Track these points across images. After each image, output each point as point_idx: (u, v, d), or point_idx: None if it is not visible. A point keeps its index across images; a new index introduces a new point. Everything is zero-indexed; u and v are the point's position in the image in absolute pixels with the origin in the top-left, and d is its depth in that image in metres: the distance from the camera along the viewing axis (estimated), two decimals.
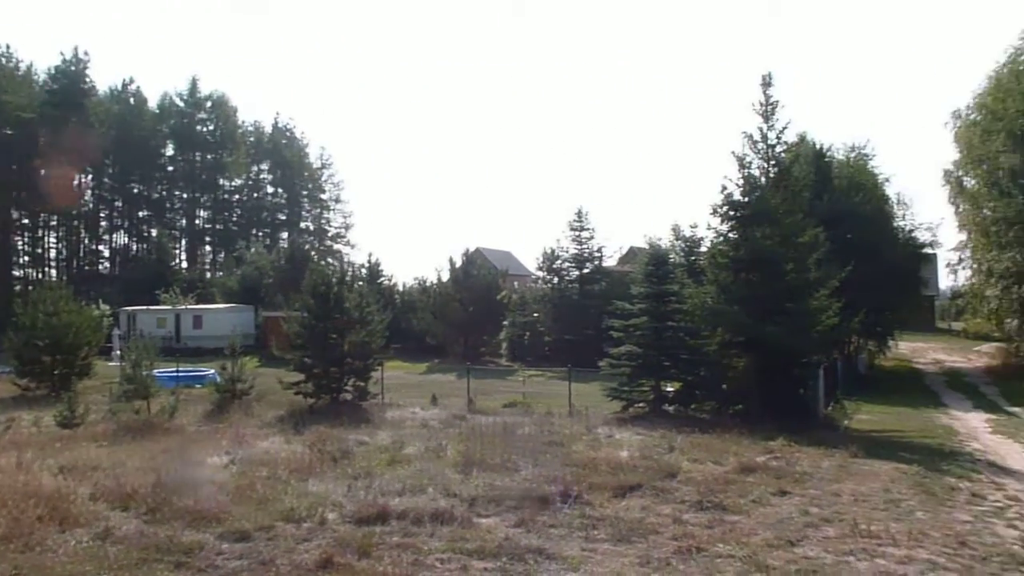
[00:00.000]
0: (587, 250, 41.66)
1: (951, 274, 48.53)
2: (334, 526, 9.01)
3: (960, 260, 44.29)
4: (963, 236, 43.37)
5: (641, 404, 19.92)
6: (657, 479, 11.37)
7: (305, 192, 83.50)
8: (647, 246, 38.99)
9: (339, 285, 22.18)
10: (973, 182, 41.48)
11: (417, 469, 12.01)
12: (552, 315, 40.49)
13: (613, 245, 66.33)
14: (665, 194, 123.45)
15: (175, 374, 26.00)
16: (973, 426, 21.07)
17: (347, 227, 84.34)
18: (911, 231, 41.62)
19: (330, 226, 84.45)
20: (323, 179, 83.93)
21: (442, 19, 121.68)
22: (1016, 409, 25.91)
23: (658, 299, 20.11)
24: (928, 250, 44.03)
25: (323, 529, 8.87)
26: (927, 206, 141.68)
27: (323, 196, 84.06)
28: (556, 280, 42.55)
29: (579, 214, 41.68)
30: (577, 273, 42.02)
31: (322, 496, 10.21)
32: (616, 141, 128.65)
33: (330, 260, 57.64)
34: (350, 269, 42.11)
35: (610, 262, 44.16)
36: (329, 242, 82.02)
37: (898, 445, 16.54)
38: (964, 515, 9.69)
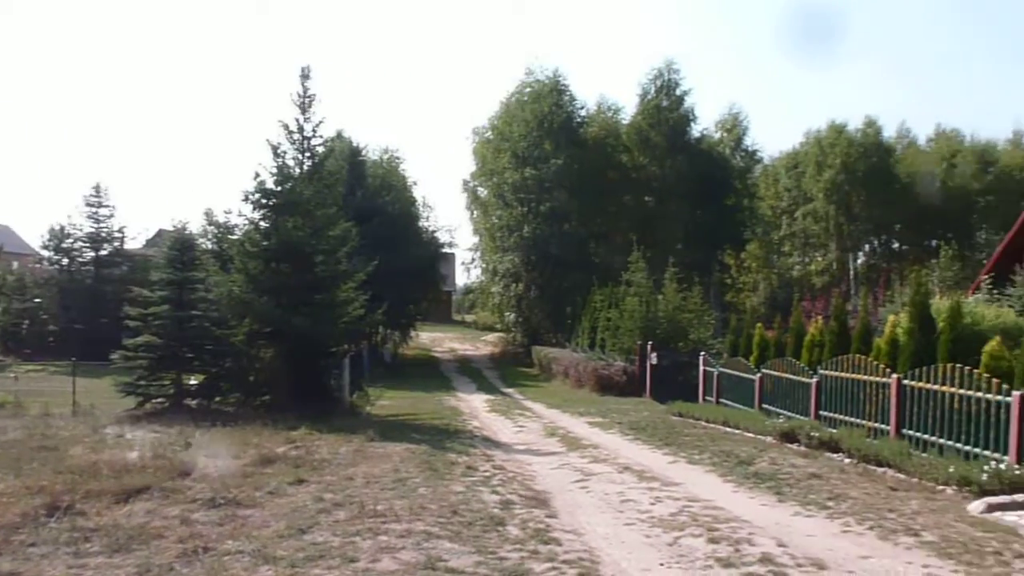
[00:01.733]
0: (106, 229, 37.58)
1: (466, 272, 55.25)
2: None
3: (473, 260, 50.72)
4: (476, 239, 49.66)
5: (160, 399, 18.52)
6: (168, 479, 10.58)
7: None
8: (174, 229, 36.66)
9: None
10: (485, 192, 47.64)
11: None
12: (60, 301, 35.81)
13: (138, 226, 61.00)
14: (200, 177, 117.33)
15: None
16: (475, 406, 23.94)
17: None
18: (434, 231, 46.11)
19: None
20: None
21: None
22: (509, 390, 30.20)
23: (182, 286, 18.91)
24: (448, 249, 49.39)
25: None
26: (450, 210, 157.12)
27: None
28: (66, 261, 37.62)
29: (97, 189, 37.40)
30: (93, 255, 37.67)
31: None
32: (145, 115, 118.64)
33: None
34: None
35: (135, 244, 40.64)
36: None
37: (411, 427, 17.95)
38: (459, 487, 10.76)
